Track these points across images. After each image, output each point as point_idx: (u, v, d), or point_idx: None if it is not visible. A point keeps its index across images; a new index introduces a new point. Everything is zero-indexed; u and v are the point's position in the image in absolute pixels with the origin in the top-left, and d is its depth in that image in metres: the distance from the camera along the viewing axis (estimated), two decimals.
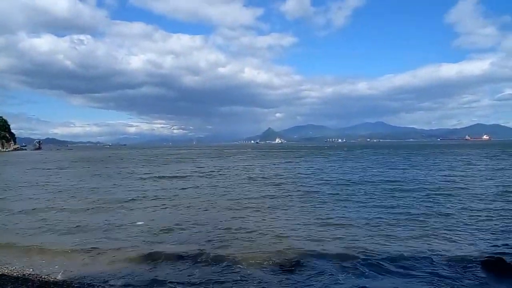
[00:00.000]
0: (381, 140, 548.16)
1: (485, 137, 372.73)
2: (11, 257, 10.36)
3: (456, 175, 30.24)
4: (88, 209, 17.39)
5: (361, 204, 17.66)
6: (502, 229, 12.75)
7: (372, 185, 24.29)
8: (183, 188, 24.58)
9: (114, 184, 27.36)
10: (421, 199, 18.57)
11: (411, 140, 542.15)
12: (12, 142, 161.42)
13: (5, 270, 9.21)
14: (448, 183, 25.13)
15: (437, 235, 12.01)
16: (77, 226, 14.06)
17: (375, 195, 20.30)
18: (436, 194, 20.04)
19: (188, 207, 17.75)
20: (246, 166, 45.67)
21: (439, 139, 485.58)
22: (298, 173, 34.52)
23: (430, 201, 17.96)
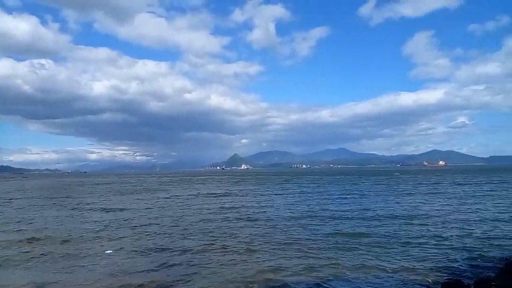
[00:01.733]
0: (343, 166, 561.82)
1: (441, 162, 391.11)
2: None
3: (416, 201, 31.00)
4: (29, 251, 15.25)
5: (323, 232, 17.45)
6: (458, 251, 12.89)
7: (335, 214, 24.32)
8: (139, 220, 23.24)
9: (66, 216, 25.42)
10: (378, 226, 18.60)
11: (372, 165, 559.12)
12: None
13: None
14: (407, 209, 25.65)
15: (395, 260, 11.95)
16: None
17: (341, 222, 20.33)
18: (395, 221, 20.24)
19: (145, 248, 16.56)
20: (210, 194, 44.50)
21: (399, 165, 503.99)
22: (265, 202, 33.96)
23: (389, 228, 18.03)
